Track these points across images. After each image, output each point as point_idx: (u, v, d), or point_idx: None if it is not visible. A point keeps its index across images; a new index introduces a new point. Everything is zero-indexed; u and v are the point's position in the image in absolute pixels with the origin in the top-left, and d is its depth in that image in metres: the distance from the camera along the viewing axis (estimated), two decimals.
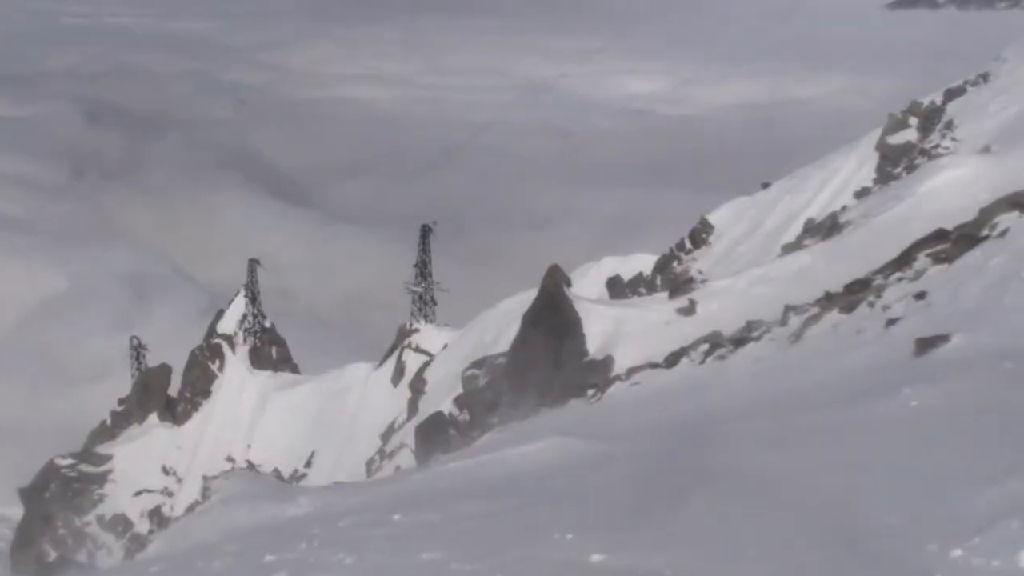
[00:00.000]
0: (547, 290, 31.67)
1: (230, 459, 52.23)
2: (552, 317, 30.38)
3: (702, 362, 19.86)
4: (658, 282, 45.86)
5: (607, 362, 25.82)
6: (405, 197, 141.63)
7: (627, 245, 56.74)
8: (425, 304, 56.48)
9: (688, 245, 48.56)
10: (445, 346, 49.46)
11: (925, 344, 11.53)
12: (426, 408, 43.38)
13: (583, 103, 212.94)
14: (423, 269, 56.55)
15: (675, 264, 47.51)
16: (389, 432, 47.37)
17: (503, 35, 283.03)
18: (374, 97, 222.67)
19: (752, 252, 42.26)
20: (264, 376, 56.14)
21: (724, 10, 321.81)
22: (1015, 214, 16.17)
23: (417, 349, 51.55)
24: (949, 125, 40.31)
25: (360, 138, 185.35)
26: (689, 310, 27.05)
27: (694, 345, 21.46)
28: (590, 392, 22.41)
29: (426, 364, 49.04)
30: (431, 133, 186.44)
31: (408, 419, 45.78)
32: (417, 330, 53.61)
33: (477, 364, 39.78)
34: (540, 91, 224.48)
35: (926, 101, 45.06)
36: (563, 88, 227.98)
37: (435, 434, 36.20)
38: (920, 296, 14.61)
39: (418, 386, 47.34)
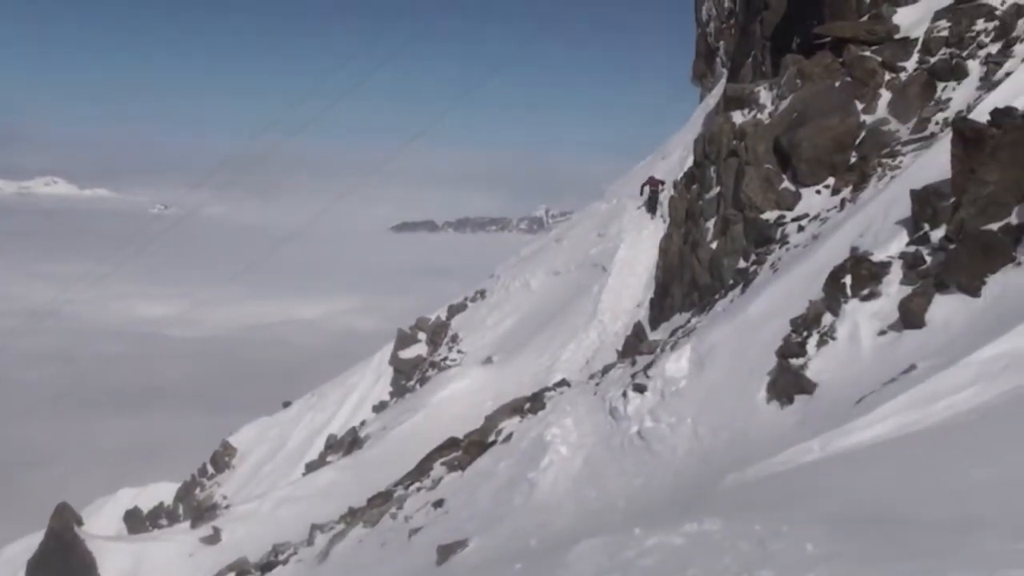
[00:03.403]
0: (55, 531, 29.51)
1: None
2: (62, 560, 28.26)
3: None
4: (180, 511, 44.20)
5: None
6: None
7: (144, 475, 53.96)
8: None
9: (211, 470, 47.31)
10: None
11: (446, 551, 11.97)
12: None
13: (89, 328, 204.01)
14: None
15: (198, 491, 46.00)
16: None
17: None
18: None
19: (277, 472, 41.97)
20: None
21: (237, 234, 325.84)
22: (516, 419, 17.45)
23: None
24: (455, 339, 43.10)
25: None
26: (214, 538, 26.27)
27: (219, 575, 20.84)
28: None
29: None
30: None
31: None
32: None
33: None
34: (42, 317, 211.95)
35: (432, 317, 48.04)
36: (67, 314, 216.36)
37: None
38: (439, 504, 15.22)
39: None
